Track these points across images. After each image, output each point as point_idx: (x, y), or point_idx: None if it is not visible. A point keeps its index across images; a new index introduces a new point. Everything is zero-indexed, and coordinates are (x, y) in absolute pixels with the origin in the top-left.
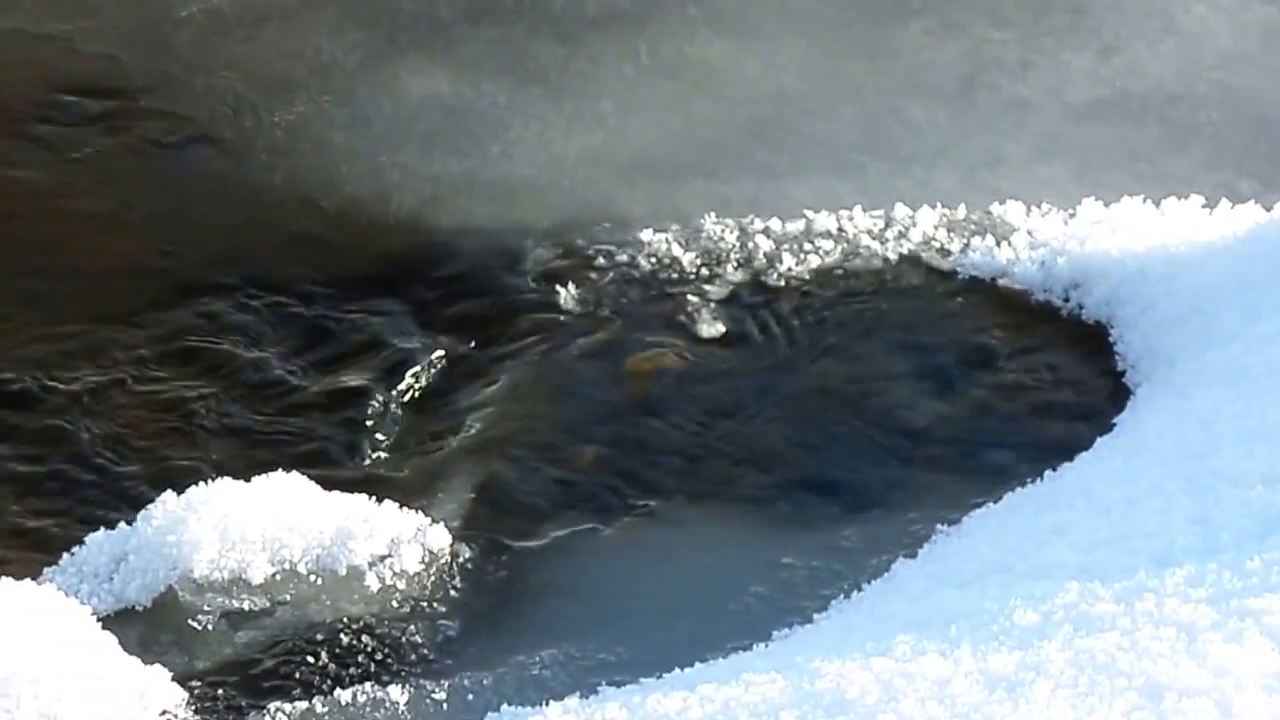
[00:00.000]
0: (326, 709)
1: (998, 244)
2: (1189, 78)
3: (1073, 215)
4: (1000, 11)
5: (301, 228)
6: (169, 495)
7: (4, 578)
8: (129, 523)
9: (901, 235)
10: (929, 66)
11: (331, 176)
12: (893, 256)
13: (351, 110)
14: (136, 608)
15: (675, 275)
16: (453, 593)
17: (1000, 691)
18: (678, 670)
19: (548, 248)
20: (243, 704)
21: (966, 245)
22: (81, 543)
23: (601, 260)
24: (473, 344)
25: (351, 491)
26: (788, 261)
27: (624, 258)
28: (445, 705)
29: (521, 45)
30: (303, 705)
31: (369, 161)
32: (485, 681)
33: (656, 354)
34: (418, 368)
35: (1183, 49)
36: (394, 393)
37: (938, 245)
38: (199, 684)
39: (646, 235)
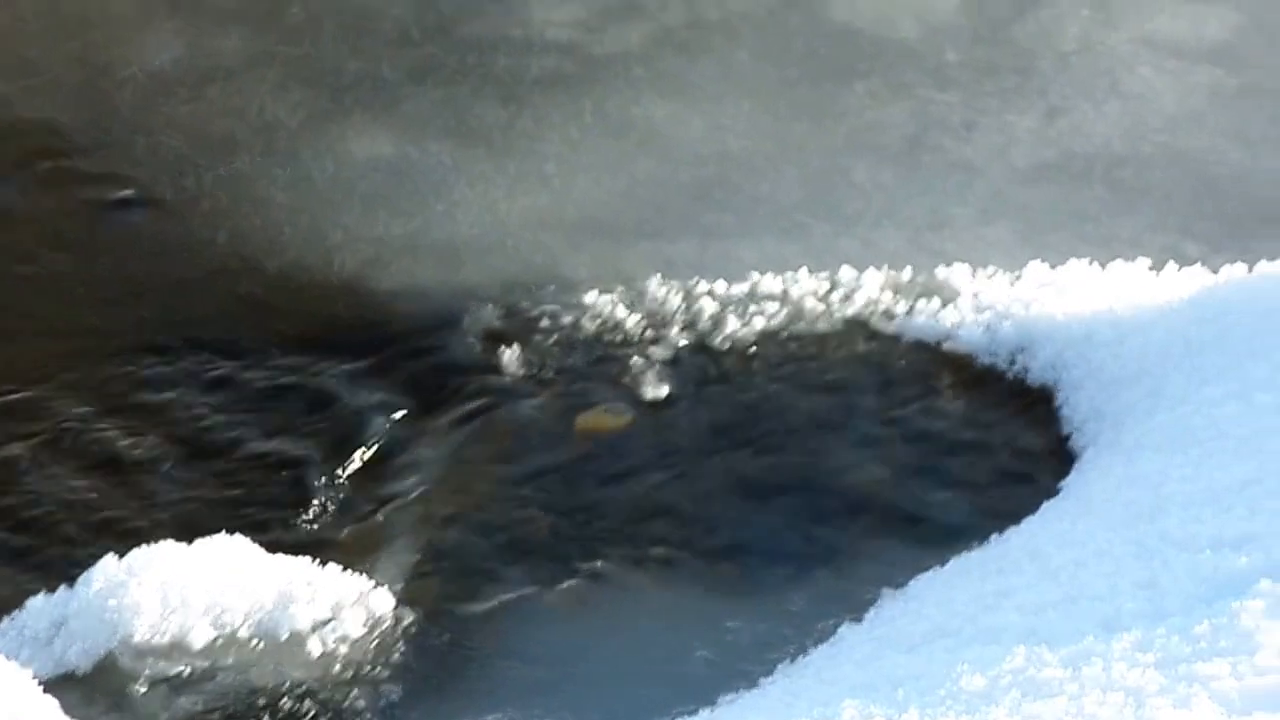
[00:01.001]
0: None
1: (943, 306)
2: (1135, 139)
3: (1019, 277)
4: (945, 73)
5: (244, 289)
6: (110, 559)
7: None
8: (69, 586)
9: (846, 298)
10: (874, 127)
11: (274, 237)
12: (838, 319)
13: (294, 170)
14: (77, 672)
15: (620, 337)
16: (396, 657)
17: None
18: None
19: (492, 309)
20: None
21: (912, 308)
22: (21, 606)
23: (546, 322)
24: (416, 406)
25: (294, 554)
26: (732, 323)
27: (568, 319)
28: None
29: (465, 106)
30: None
31: (312, 222)
32: None
33: (605, 413)
34: (360, 429)
35: (1129, 111)
36: (337, 455)
37: (883, 308)
38: None
39: (591, 297)
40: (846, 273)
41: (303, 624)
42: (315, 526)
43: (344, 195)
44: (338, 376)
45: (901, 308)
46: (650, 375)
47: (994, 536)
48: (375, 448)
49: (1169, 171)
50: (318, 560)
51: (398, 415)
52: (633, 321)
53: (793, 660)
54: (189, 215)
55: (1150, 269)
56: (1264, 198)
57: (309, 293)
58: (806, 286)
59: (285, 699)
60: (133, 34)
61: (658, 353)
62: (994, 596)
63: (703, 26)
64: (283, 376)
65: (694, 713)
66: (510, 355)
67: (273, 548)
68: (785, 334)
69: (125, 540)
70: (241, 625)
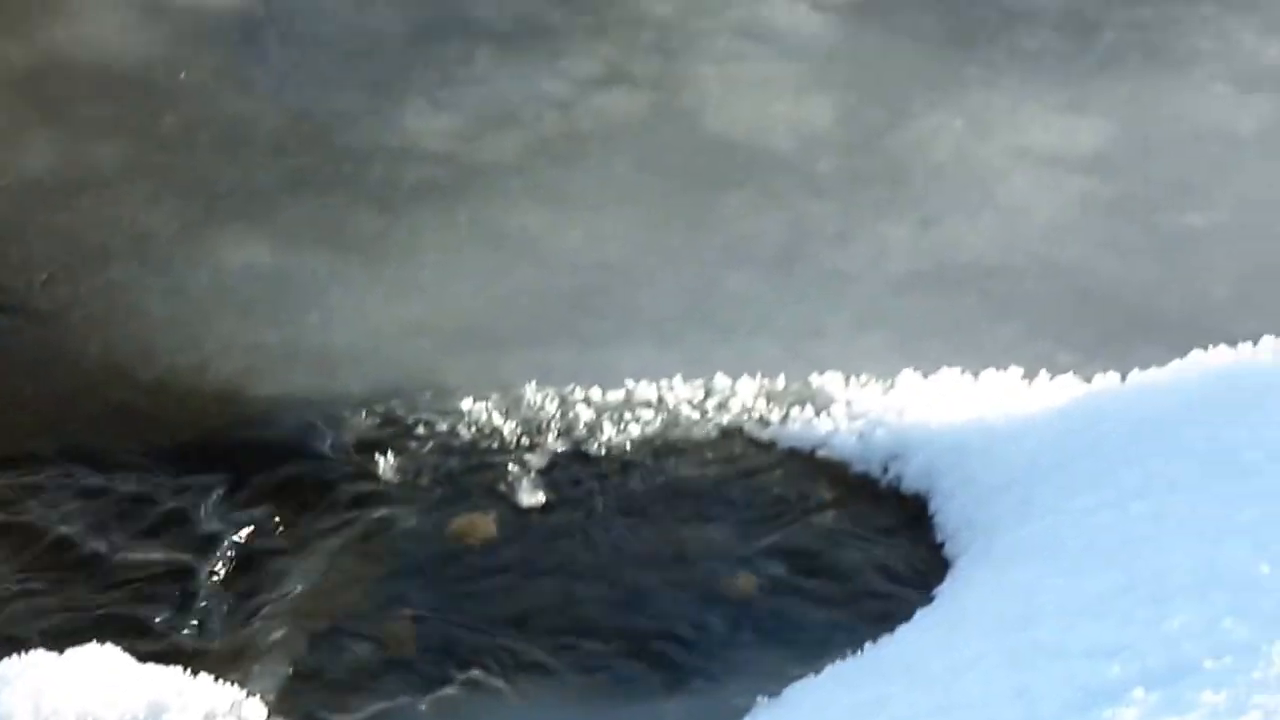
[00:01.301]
0: None
1: (817, 414)
2: (1008, 249)
3: (892, 386)
4: (819, 183)
5: (118, 398)
6: None
7: None
8: None
9: (721, 405)
10: (749, 237)
11: (148, 346)
12: (713, 426)
13: (169, 279)
14: None
15: (496, 444)
16: None
17: None
18: None
19: (367, 417)
20: None
21: (786, 415)
22: None
23: (422, 429)
24: (290, 514)
25: (166, 664)
26: (608, 431)
27: (444, 427)
28: None
29: (341, 215)
30: None
31: (186, 331)
32: None
33: (478, 518)
34: (234, 539)
35: (1002, 220)
36: (210, 564)
37: (758, 415)
38: None
39: (467, 404)
40: (721, 380)
41: None
42: (187, 636)
43: (219, 304)
44: (211, 485)
45: (776, 415)
46: (526, 482)
47: (868, 644)
48: (248, 557)
49: (1042, 281)
50: (189, 670)
51: (271, 524)
52: (509, 428)
53: None
54: (62, 325)
55: (1023, 378)
56: (1137, 307)
57: (183, 402)
58: (682, 394)
59: None
60: (5, 143)
61: (534, 460)
62: (869, 705)
63: (579, 136)
64: (155, 486)
65: None
66: (385, 463)
67: (144, 658)
68: (661, 441)
69: None
70: None
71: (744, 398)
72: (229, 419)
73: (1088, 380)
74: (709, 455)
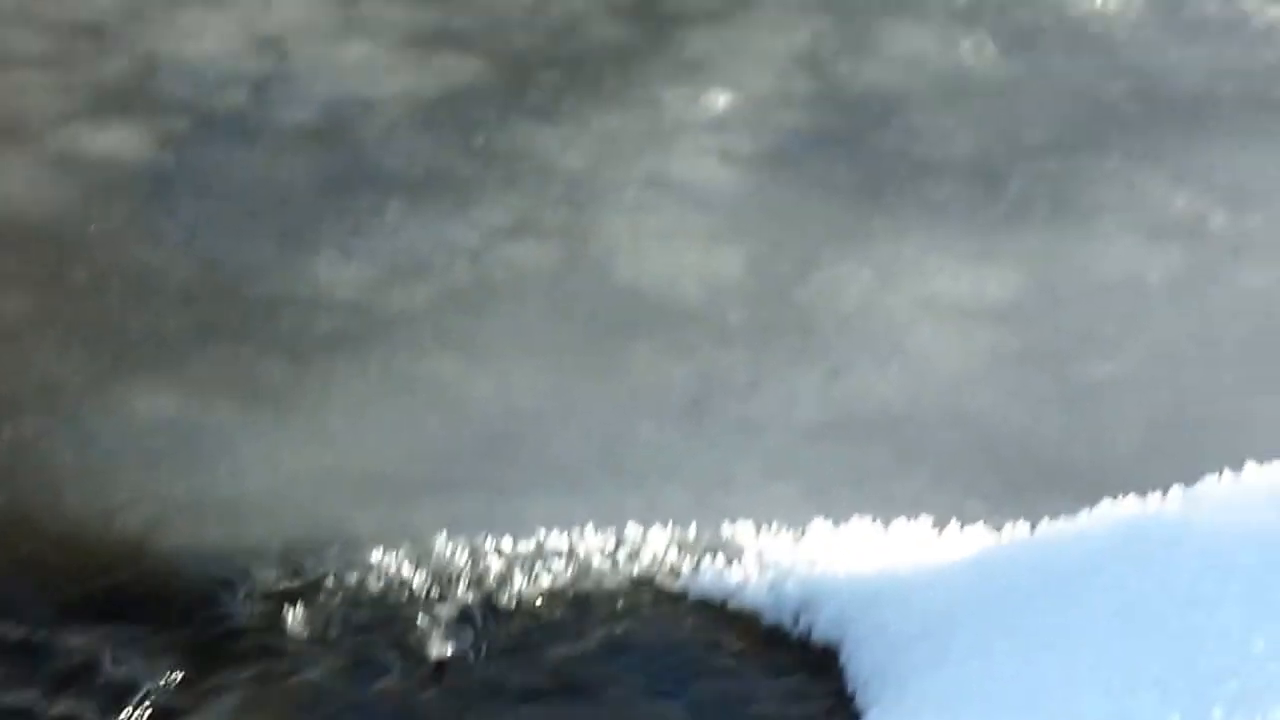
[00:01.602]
0: None
1: (728, 564)
2: (917, 399)
3: (802, 535)
4: (728, 333)
5: (23, 550)
6: None
7: None
8: None
9: (632, 555)
10: (658, 386)
11: (56, 498)
12: (624, 576)
13: (77, 430)
14: None
15: (405, 596)
16: None
17: None
18: None
19: (275, 569)
20: None
21: (697, 565)
22: None
23: (331, 581)
24: (197, 668)
25: None
26: (519, 581)
27: (353, 578)
28: None
29: (251, 365)
30: None
31: (94, 482)
32: None
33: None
34: (141, 692)
35: (910, 370)
36: (116, 718)
37: (668, 565)
38: None
39: (377, 555)
40: (633, 530)
41: None
42: None
43: (127, 455)
44: (118, 638)
45: (687, 565)
46: (435, 634)
47: None
48: (155, 710)
49: (951, 431)
50: None
51: (177, 678)
52: (419, 580)
53: None
54: None
55: (933, 527)
56: (1046, 458)
57: (91, 553)
58: (593, 544)
59: None
60: None
61: (444, 611)
62: None
63: (489, 286)
64: (62, 638)
65: None
66: (294, 615)
67: None
68: (572, 592)
69: None
70: None
71: (655, 548)
72: (137, 570)
73: (997, 530)
74: (620, 606)
